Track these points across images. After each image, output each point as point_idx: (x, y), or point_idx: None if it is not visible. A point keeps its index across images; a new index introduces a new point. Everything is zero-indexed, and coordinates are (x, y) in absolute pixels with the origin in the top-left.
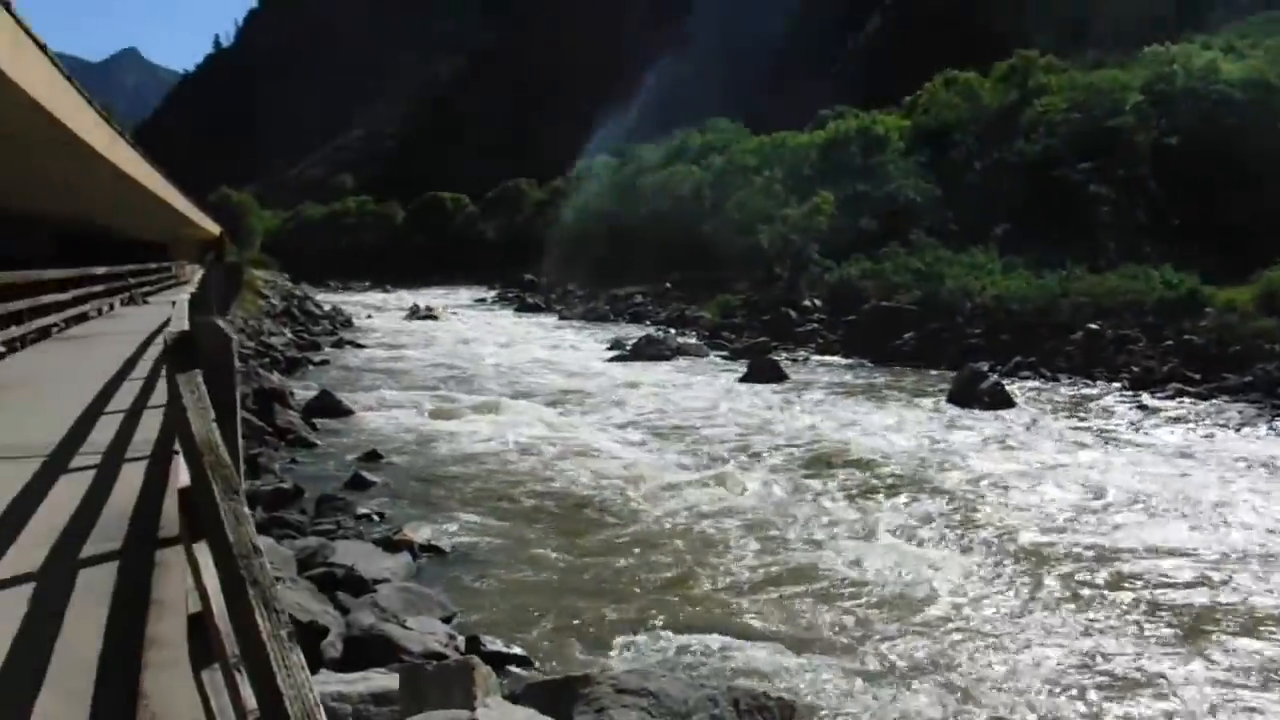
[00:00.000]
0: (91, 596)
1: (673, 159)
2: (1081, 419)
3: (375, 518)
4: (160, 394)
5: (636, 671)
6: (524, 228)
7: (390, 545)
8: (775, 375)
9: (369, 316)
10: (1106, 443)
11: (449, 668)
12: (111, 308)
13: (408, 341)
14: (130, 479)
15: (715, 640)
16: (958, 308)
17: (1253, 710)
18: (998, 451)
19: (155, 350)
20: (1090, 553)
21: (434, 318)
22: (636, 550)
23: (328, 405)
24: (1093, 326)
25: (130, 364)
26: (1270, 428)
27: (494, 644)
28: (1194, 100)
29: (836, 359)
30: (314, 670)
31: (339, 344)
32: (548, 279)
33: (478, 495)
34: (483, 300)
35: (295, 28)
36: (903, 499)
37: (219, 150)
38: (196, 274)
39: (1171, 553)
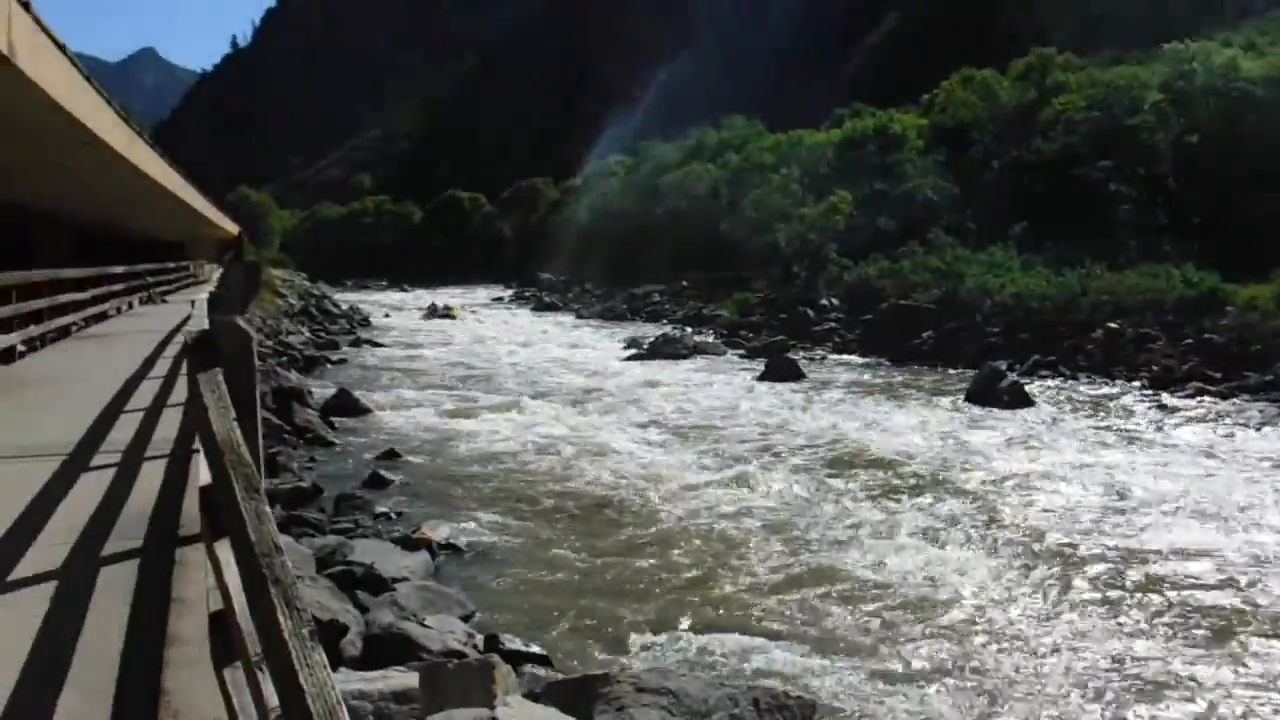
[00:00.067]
0: (113, 594)
1: (689, 157)
2: (1102, 418)
3: (393, 516)
4: (179, 392)
5: (656, 670)
6: (540, 227)
7: (409, 544)
8: (793, 374)
9: (387, 315)
10: (1128, 442)
11: (469, 666)
12: (130, 306)
13: (425, 340)
14: (150, 477)
15: (735, 640)
16: (976, 306)
17: None
18: (1018, 451)
19: (174, 349)
20: (1115, 554)
21: (452, 317)
22: (656, 550)
23: (346, 404)
24: (1112, 325)
25: (149, 362)
26: None
27: (513, 643)
28: (1214, 98)
29: (854, 358)
30: (334, 668)
31: (357, 343)
32: (565, 278)
33: (496, 494)
34: (500, 299)
35: (312, 28)
36: (924, 499)
37: (236, 150)
38: (215, 273)
39: (1197, 554)
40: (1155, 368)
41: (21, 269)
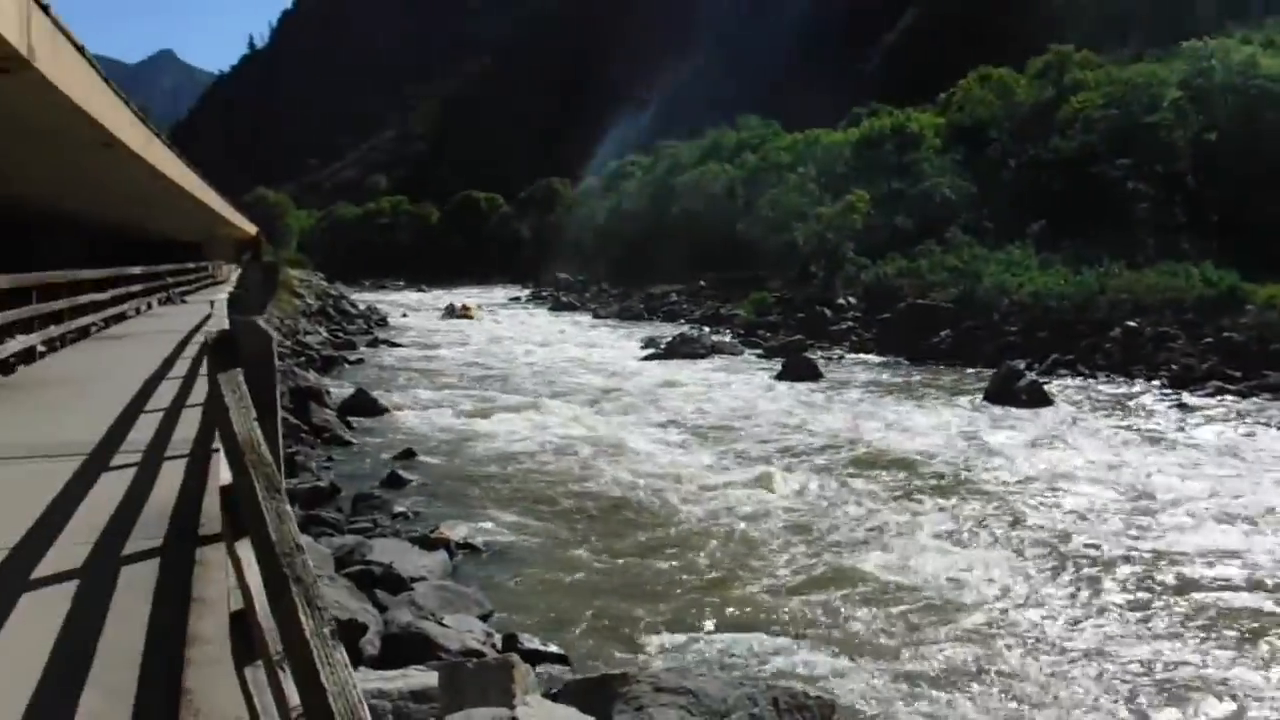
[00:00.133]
0: (134, 594)
1: (705, 157)
2: (1122, 417)
3: (411, 516)
4: (198, 393)
5: (675, 670)
6: (558, 227)
7: (427, 543)
8: (811, 373)
9: (404, 315)
10: (1149, 442)
11: (489, 665)
12: (149, 307)
13: (443, 340)
14: (170, 477)
15: (755, 641)
16: (994, 305)
17: None
18: (1039, 451)
19: (193, 349)
20: (1140, 555)
21: (469, 317)
22: (674, 550)
23: (363, 404)
24: (1131, 324)
25: (168, 363)
26: None
27: (531, 642)
28: (1233, 95)
29: (872, 357)
30: (353, 668)
31: (374, 343)
32: (582, 278)
33: (514, 494)
34: (517, 299)
35: (328, 28)
36: (945, 499)
37: (253, 151)
38: (233, 274)
39: (1223, 555)
40: (1175, 366)
41: (38, 269)
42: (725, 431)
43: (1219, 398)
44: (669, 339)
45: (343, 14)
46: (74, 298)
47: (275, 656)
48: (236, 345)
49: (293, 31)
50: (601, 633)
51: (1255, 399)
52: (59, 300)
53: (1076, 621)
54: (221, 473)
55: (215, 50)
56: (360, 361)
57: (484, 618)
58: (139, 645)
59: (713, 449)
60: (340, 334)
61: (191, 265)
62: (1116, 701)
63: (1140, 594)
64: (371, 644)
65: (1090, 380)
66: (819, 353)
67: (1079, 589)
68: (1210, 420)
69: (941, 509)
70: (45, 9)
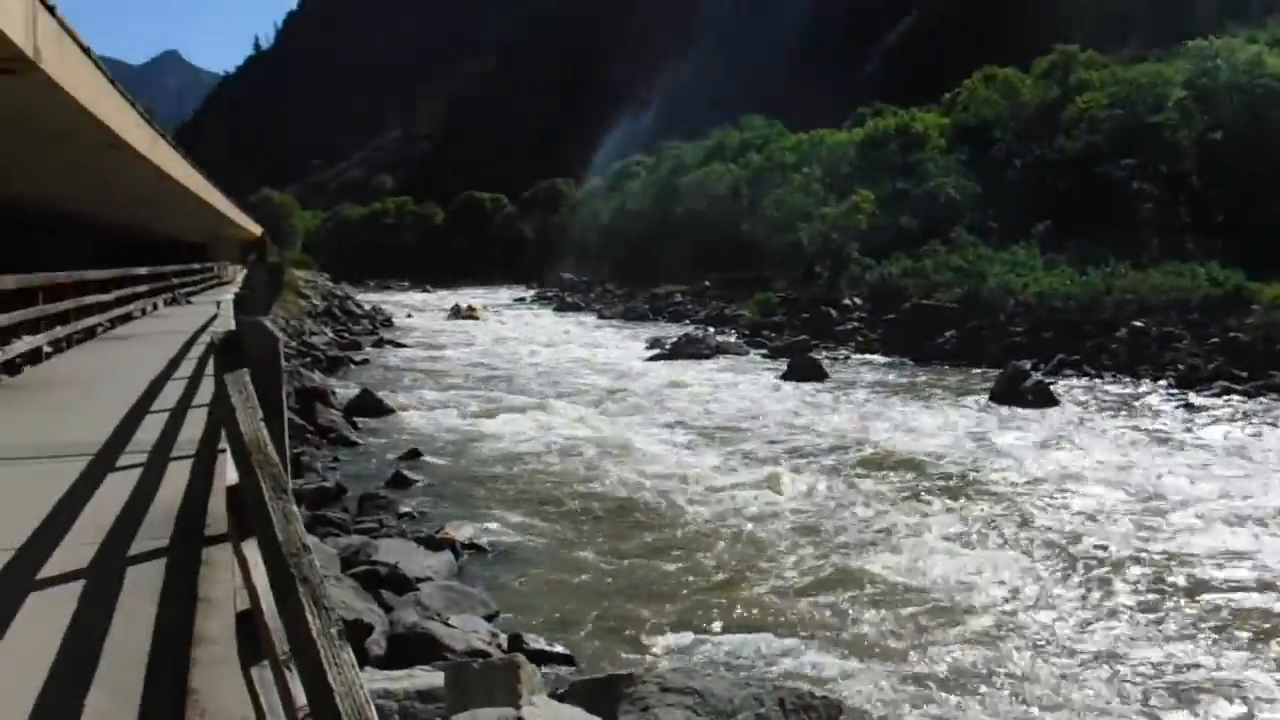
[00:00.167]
0: (140, 594)
1: (710, 157)
2: (1128, 418)
3: (417, 516)
4: (204, 393)
5: (681, 670)
6: (562, 227)
7: (432, 544)
8: (816, 374)
9: (409, 316)
10: (1156, 442)
11: (494, 665)
12: (155, 307)
13: (448, 341)
14: (176, 477)
15: (761, 641)
16: (999, 306)
17: None
18: (1046, 452)
19: (198, 350)
20: (1149, 556)
21: (474, 317)
22: (680, 551)
23: (369, 404)
24: (1137, 324)
25: (174, 363)
26: None
27: (537, 642)
28: (1237, 95)
29: (877, 357)
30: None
31: (379, 343)
32: (586, 278)
33: (519, 495)
34: (522, 299)
35: (332, 29)
36: (953, 500)
37: (258, 151)
38: (238, 274)
39: (1233, 556)
40: (1181, 367)
41: (37, 270)
42: (731, 432)
43: (1225, 398)
44: (674, 339)
45: (347, 15)
46: (80, 298)
47: (281, 656)
48: (242, 346)
49: (298, 32)
50: (607, 633)
51: (1262, 399)
52: (65, 301)
53: (1086, 623)
54: (228, 473)
55: (220, 51)
56: (366, 362)
57: (489, 618)
58: (145, 645)
59: (719, 449)
60: (346, 334)
61: (197, 266)
62: (1127, 704)
63: (1150, 595)
64: (377, 644)
65: (1096, 381)
66: (824, 353)
67: (1088, 590)
68: (1217, 420)
69: (949, 510)
70: (51, 10)
